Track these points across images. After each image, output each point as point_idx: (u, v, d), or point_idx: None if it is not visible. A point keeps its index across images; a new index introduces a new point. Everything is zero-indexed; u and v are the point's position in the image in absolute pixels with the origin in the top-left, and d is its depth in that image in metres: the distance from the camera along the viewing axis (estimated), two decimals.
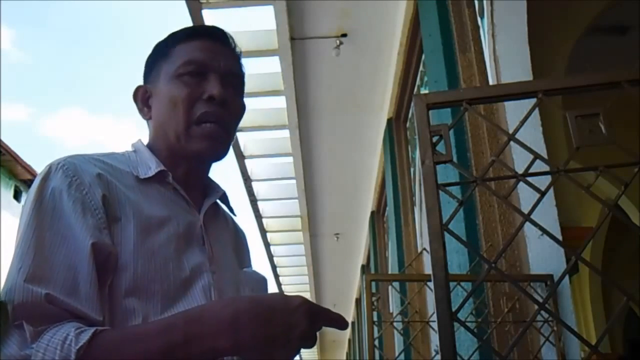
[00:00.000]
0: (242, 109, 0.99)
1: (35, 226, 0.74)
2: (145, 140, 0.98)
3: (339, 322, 0.74)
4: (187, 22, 3.37)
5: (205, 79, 0.92)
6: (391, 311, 3.96)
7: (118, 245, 0.78)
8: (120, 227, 0.79)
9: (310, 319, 0.69)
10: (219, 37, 0.98)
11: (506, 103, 1.91)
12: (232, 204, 1.05)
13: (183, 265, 0.83)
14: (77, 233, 0.75)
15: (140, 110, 0.98)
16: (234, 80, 0.97)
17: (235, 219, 1.09)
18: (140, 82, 1.00)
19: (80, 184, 0.79)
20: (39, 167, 0.89)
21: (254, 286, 0.96)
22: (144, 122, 0.99)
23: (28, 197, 0.79)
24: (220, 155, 0.95)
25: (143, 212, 0.83)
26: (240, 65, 1.00)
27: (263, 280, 1.00)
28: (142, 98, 0.98)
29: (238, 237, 1.06)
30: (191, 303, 0.81)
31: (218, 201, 1.01)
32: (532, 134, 1.86)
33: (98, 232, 0.76)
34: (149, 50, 1.01)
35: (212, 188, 0.99)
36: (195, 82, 0.92)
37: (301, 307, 0.69)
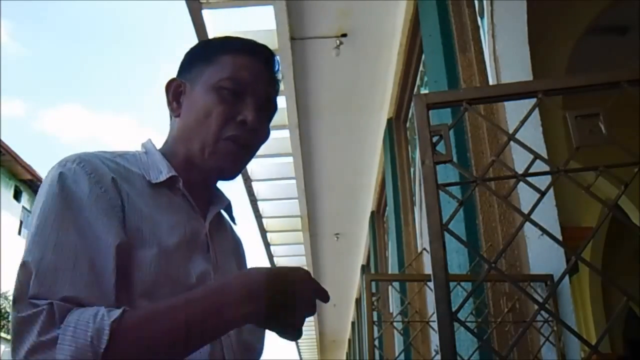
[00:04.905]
0: (267, 136, 0.99)
1: (57, 222, 0.73)
2: (161, 139, 0.98)
3: (325, 296, 0.80)
4: (188, 21, 3.37)
5: (243, 100, 0.92)
6: (391, 311, 3.96)
7: (132, 248, 0.78)
8: (132, 231, 0.79)
9: (313, 286, 0.77)
10: (266, 59, 0.97)
11: (506, 103, 1.91)
12: (234, 213, 1.05)
13: (189, 272, 0.83)
14: (99, 231, 0.74)
15: (169, 104, 0.97)
16: (269, 106, 0.97)
17: (235, 228, 1.09)
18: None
19: (99, 181, 0.79)
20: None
21: None
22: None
23: (46, 191, 0.77)
24: (235, 175, 0.96)
25: (153, 217, 0.83)
26: (277, 92, 1.00)
27: None
28: (175, 92, 0.97)
29: (237, 247, 1.07)
30: None
31: (221, 210, 1.01)
32: (532, 134, 1.86)
33: (121, 231, 0.76)
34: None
35: (218, 197, 0.99)
36: (233, 101, 0.91)
37: (306, 277, 0.76)
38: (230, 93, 0.91)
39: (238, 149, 0.91)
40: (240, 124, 0.90)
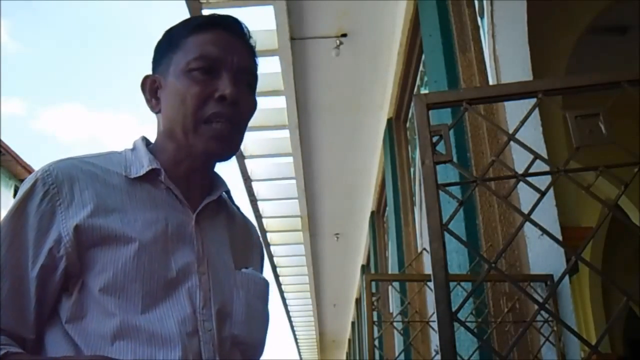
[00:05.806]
0: (253, 107, 0.94)
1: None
2: (154, 134, 0.96)
3: None
4: None
5: (217, 76, 0.88)
6: (391, 311, 3.96)
7: (99, 246, 0.79)
8: (100, 229, 0.80)
9: None
10: (233, 29, 0.93)
11: (506, 103, 1.91)
12: (236, 201, 1.02)
13: (170, 265, 0.82)
14: (27, 256, 0.78)
15: (148, 102, 0.94)
16: (247, 77, 0.92)
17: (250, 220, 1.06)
18: (139, 78, 0.95)
19: (58, 193, 0.81)
20: (38, 166, 0.90)
21: (252, 288, 0.92)
22: (144, 118, 0.98)
23: (14, 201, 0.82)
24: (228, 155, 0.92)
25: (127, 213, 0.83)
26: (254, 60, 0.95)
27: (262, 283, 0.96)
28: (150, 89, 0.93)
29: (247, 235, 1.02)
30: (175, 305, 0.80)
31: (226, 198, 0.98)
32: (532, 134, 1.86)
33: (60, 246, 0.78)
34: (149, 46, 0.95)
35: (216, 185, 0.96)
36: (207, 80, 0.88)
37: None
38: (201, 73, 0.88)
39: (223, 127, 0.87)
40: (220, 100, 0.87)
